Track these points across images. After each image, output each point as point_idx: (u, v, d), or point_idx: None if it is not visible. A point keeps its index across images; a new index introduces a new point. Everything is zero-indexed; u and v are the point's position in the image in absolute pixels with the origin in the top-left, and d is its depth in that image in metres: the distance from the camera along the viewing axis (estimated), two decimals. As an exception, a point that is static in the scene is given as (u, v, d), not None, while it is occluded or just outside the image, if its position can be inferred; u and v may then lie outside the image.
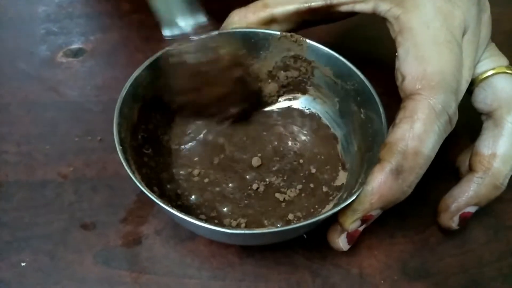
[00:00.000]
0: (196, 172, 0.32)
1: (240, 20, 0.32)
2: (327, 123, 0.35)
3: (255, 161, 0.32)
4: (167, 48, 0.30)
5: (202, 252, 0.30)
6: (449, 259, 0.31)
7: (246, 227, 0.29)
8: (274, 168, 0.33)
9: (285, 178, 0.32)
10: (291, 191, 0.31)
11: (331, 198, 0.31)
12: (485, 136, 0.29)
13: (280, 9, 0.32)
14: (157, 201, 0.25)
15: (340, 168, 0.33)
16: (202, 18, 0.29)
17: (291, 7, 0.31)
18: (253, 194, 0.31)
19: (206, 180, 0.32)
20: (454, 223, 0.30)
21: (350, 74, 0.31)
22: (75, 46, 0.42)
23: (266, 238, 0.28)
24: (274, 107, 0.36)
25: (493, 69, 0.30)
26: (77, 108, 0.37)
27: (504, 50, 0.31)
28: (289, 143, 0.34)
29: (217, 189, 0.31)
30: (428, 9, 0.27)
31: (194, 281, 0.29)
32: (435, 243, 0.31)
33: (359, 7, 0.30)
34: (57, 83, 0.39)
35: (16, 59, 0.40)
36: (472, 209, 0.29)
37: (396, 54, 0.28)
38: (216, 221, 0.30)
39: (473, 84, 0.30)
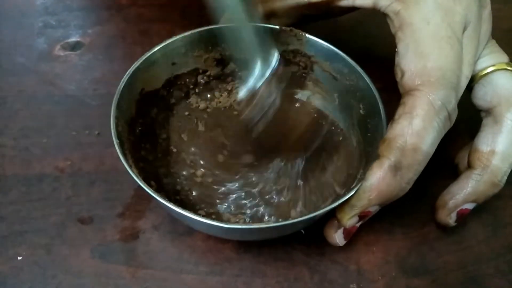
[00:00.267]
0: (196, 168, 0.32)
1: None
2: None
3: (251, 158, 0.32)
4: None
5: (199, 247, 0.30)
6: (447, 256, 0.31)
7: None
8: (273, 164, 0.32)
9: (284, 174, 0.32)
10: (290, 187, 0.31)
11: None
12: (484, 133, 0.29)
13: (280, 3, 0.31)
14: (154, 195, 0.24)
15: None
16: (274, 55, 0.29)
17: (291, 1, 0.31)
18: (253, 191, 0.31)
19: (206, 177, 0.31)
20: (451, 220, 0.30)
21: (349, 70, 0.31)
22: (73, 39, 0.41)
23: (263, 234, 0.28)
24: None
25: (493, 65, 0.30)
26: (74, 101, 0.37)
27: (503, 46, 0.31)
28: None
29: (217, 186, 0.31)
30: (428, 5, 0.27)
31: (191, 276, 0.29)
32: (434, 240, 0.31)
33: (360, 2, 0.30)
34: (55, 76, 0.38)
35: (13, 52, 0.40)
36: (469, 206, 0.29)
37: (396, 49, 0.28)
38: (214, 217, 0.29)
39: (473, 81, 0.30)
